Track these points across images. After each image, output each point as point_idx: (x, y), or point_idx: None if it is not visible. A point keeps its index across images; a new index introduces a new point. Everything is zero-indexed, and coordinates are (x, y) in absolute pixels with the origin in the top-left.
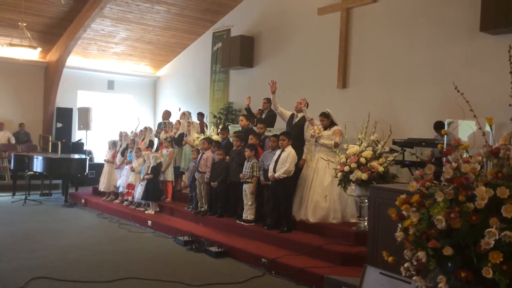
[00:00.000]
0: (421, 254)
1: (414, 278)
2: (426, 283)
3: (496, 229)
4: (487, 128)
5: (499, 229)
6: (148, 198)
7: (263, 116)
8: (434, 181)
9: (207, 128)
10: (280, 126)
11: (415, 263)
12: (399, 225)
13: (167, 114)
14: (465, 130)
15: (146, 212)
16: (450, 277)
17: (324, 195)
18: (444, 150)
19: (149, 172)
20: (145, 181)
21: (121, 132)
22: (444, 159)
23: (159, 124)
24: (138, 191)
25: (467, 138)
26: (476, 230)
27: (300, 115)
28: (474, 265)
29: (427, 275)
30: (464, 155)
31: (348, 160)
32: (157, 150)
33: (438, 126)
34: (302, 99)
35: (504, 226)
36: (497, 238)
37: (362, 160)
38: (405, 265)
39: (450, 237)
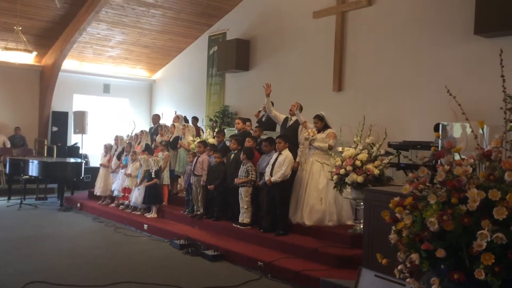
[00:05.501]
0: (414, 256)
1: (407, 280)
2: (420, 285)
3: (488, 231)
4: (480, 131)
5: (491, 231)
6: (150, 202)
7: (263, 119)
8: (427, 184)
9: (202, 132)
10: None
11: (408, 265)
12: (393, 227)
13: (157, 118)
14: (458, 133)
15: (147, 215)
16: (443, 279)
17: (319, 198)
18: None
19: (153, 176)
20: (144, 185)
21: (117, 136)
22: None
23: (151, 129)
24: (135, 195)
25: (460, 141)
26: (468, 232)
27: (294, 118)
28: (466, 267)
29: (420, 277)
30: (457, 158)
31: (344, 163)
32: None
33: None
34: (294, 103)
35: (496, 228)
36: (489, 240)
37: (358, 163)
38: (399, 267)
39: (443, 239)
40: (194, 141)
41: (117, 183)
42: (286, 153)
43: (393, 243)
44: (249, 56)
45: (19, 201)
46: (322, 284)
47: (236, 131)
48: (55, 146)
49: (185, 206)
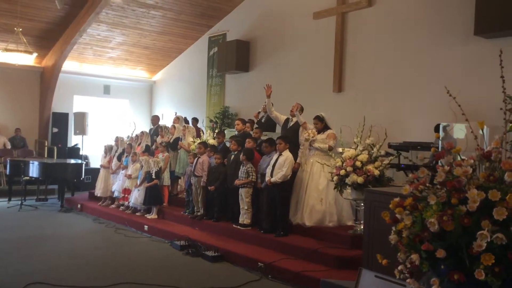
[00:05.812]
0: (414, 257)
1: (407, 280)
2: (420, 285)
3: (488, 231)
4: (480, 132)
5: (491, 232)
6: (150, 203)
7: (263, 120)
8: (427, 185)
9: (203, 133)
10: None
11: (408, 265)
12: (393, 228)
13: (156, 119)
14: (459, 133)
15: (147, 216)
16: (443, 279)
17: (319, 199)
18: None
19: (153, 177)
20: (144, 186)
21: (117, 137)
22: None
23: (150, 130)
24: (135, 196)
25: (460, 141)
26: (468, 232)
27: (295, 119)
28: (466, 267)
29: (420, 277)
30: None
31: (344, 164)
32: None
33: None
34: (295, 104)
35: (496, 228)
36: (489, 240)
37: (358, 163)
38: (399, 267)
39: (443, 239)
40: (194, 142)
41: (117, 184)
42: (287, 154)
43: (393, 244)
44: (249, 57)
45: (19, 202)
46: (322, 285)
47: (236, 132)
48: (55, 147)
49: (185, 207)
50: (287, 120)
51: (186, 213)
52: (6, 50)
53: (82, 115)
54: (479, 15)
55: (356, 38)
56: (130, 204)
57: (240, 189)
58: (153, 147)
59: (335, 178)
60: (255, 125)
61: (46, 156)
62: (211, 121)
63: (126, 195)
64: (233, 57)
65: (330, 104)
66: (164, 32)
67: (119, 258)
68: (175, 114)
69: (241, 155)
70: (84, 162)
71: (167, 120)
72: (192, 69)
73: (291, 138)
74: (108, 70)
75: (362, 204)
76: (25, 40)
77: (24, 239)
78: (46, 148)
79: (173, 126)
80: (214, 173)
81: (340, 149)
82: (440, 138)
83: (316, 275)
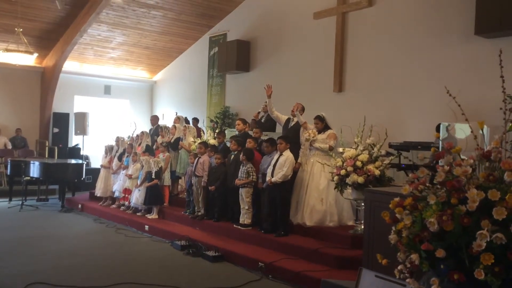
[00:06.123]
0: (414, 257)
1: (407, 280)
2: (420, 285)
3: (487, 231)
4: (480, 132)
5: (490, 231)
6: (151, 203)
7: (263, 120)
8: (427, 184)
9: (203, 133)
10: (281, 130)
11: (408, 265)
12: (393, 228)
13: (155, 119)
14: (459, 133)
15: (148, 216)
16: (443, 279)
17: (320, 199)
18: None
19: (153, 177)
20: (145, 186)
21: (117, 137)
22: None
23: (150, 130)
24: (135, 196)
25: (461, 141)
26: (468, 232)
27: (295, 119)
28: (466, 267)
29: (420, 277)
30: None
31: (345, 164)
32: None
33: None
34: (296, 104)
35: (496, 228)
36: (488, 240)
37: (358, 163)
38: (399, 267)
39: (443, 239)
40: (195, 142)
41: (118, 184)
42: (287, 153)
43: (393, 244)
44: (250, 57)
45: (20, 202)
46: (323, 285)
47: (236, 132)
48: (56, 148)
49: (186, 207)
50: (288, 120)
51: (187, 213)
52: (7, 50)
53: (83, 115)
54: (479, 15)
55: (356, 38)
56: (131, 204)
57: (240, 189)
58: (154, 147)
59: (336, 178)
60: (258, 125)
61: (47, 156)
62: (211, 121)
63: (126, 195)
64: (233, 57)
65: (331, 104)
66: (165, 32)
67: (119, 258)
68: (176, 114)
69: (241, 155)
70: (85, 162)
71: (167, 120)
72: (193, 69)
73: (292, 138)
74: (109, 70)
75: (363, 204)
76: (25, 41)
77: (24, 239)
78: (46, 148)
79: (174, 126)
80: (214, 173)
81: (340, 149)
82: (440, 138)
83: (316, 275)
